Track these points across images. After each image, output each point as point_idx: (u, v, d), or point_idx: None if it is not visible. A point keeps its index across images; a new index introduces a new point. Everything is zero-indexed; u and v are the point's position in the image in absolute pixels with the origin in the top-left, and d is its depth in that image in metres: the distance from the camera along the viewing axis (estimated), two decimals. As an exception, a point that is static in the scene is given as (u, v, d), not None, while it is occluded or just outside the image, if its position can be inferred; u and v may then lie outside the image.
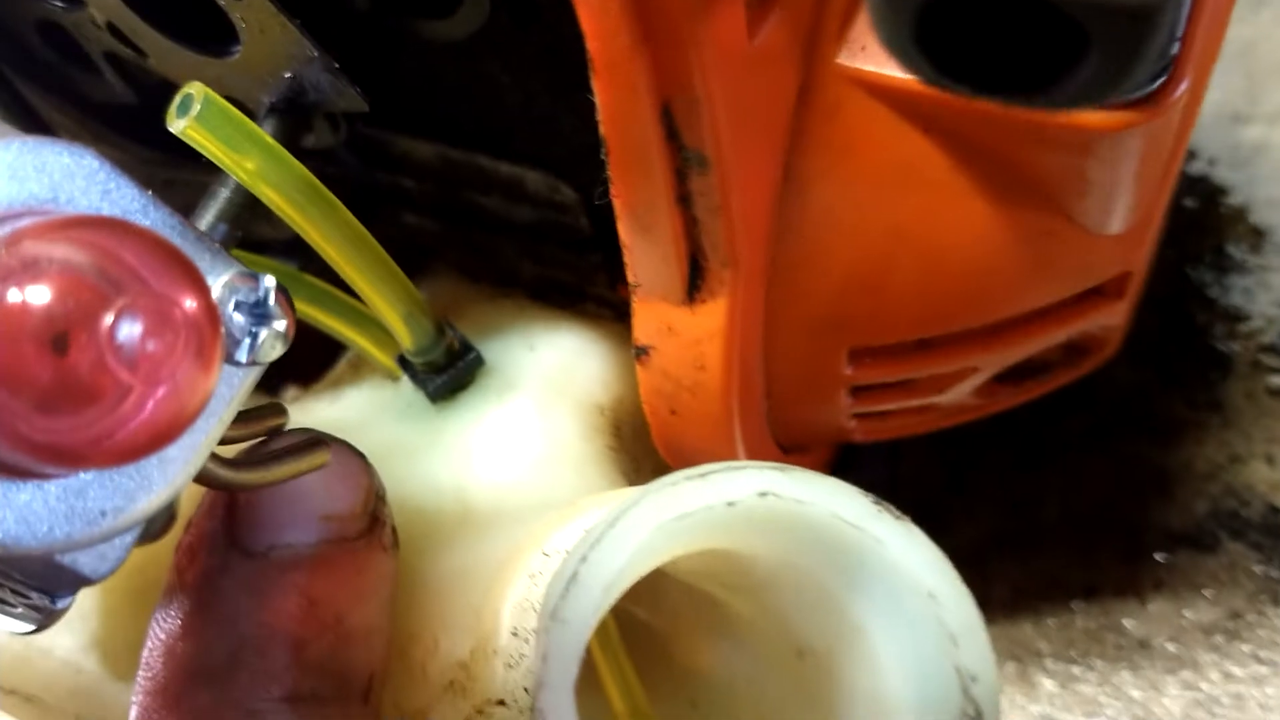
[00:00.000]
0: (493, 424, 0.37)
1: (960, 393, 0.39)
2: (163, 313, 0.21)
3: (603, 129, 0.29)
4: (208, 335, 0.21)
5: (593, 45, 0.27)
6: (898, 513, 0.27)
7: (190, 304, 0.21)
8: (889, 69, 0.30)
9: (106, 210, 0.24)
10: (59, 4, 0.35)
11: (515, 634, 0.29)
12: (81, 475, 0.23)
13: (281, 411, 0.30)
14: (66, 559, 0.24)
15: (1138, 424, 0.52)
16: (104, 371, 0.20)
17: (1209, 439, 0.53)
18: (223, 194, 0.32)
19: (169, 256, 0.22)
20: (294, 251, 0.42)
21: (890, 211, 0.33)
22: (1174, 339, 0.54)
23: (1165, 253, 0.52)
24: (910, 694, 0.27)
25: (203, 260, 0.24)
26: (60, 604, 0.25)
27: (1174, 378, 0.54)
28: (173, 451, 0.24)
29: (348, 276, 0.34)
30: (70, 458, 0.21)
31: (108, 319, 0.20)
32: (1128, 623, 0.50)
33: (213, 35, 0.33)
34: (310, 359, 0.45)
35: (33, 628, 0.26)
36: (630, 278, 0.33)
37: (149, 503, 0.23)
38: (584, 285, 0.40)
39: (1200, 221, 0.57)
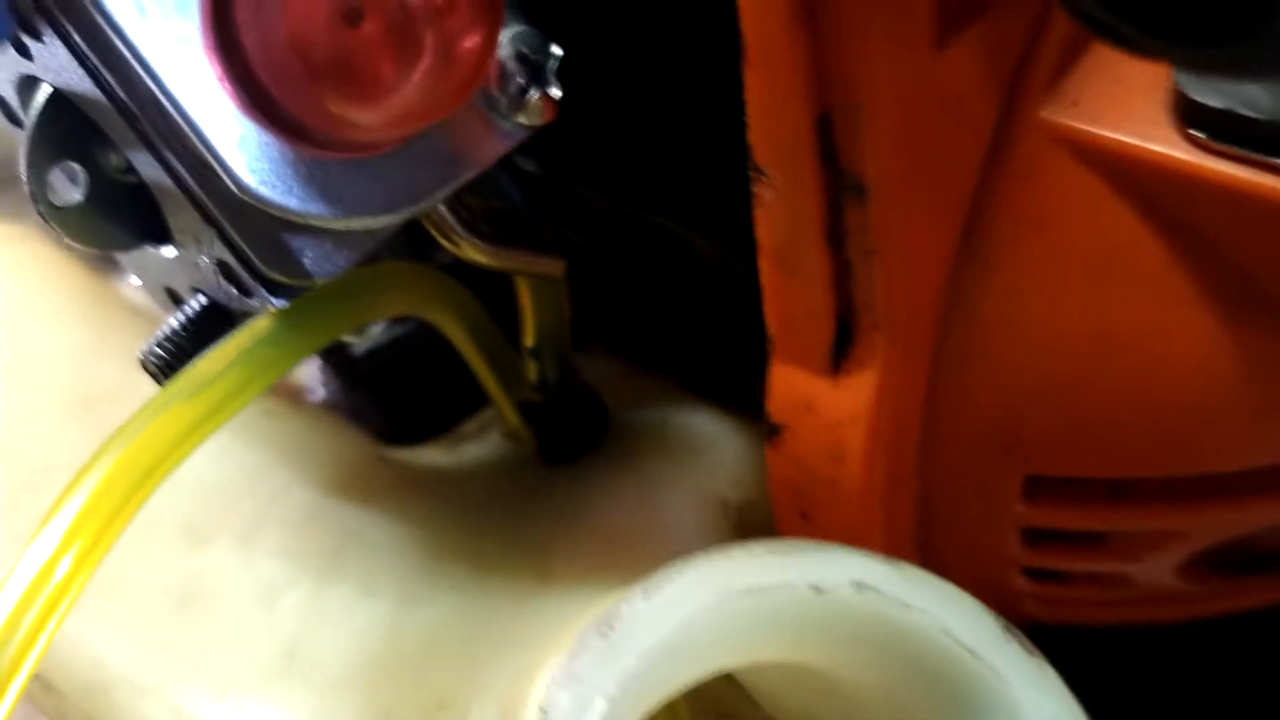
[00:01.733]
0: (594, 492, 0.33)
1: (1160, 568, 0.32)
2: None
3: (749, 134, 0.25)
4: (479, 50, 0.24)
5: (746, 24, 0.23)
6: (1031, 646, 0.21)
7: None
8: (1104, 129, 0.25)
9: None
10: None
11: (543, 710, 0.24)
12: (334, 161, 0.24)
13: (560, 262, 0.32)
14: (295, 242, 0.25)
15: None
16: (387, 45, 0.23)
17: None
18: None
19: None
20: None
21: (1090, 308, 0.27)
22: None
23: None
24: None
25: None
26: (275, 303, 0.26)
27: None
28: (420, 175, 0.25)
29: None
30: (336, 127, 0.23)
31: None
32: None
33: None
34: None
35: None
36: (769, 329, 0.28)
37: (385, 213, 0.25)
38: (740, 380, 0.36)
39: None
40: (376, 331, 0.33)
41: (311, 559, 0.31)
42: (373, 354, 0.37)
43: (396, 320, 0.37)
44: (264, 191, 0.24)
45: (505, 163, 0.39)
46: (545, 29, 0.27)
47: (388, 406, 0.38)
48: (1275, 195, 0.24)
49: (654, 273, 0.38)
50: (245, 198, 0.24)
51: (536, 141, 0.38)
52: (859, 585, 0.21)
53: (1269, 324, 0.26)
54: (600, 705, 0.20)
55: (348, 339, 0.35)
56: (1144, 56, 0.16)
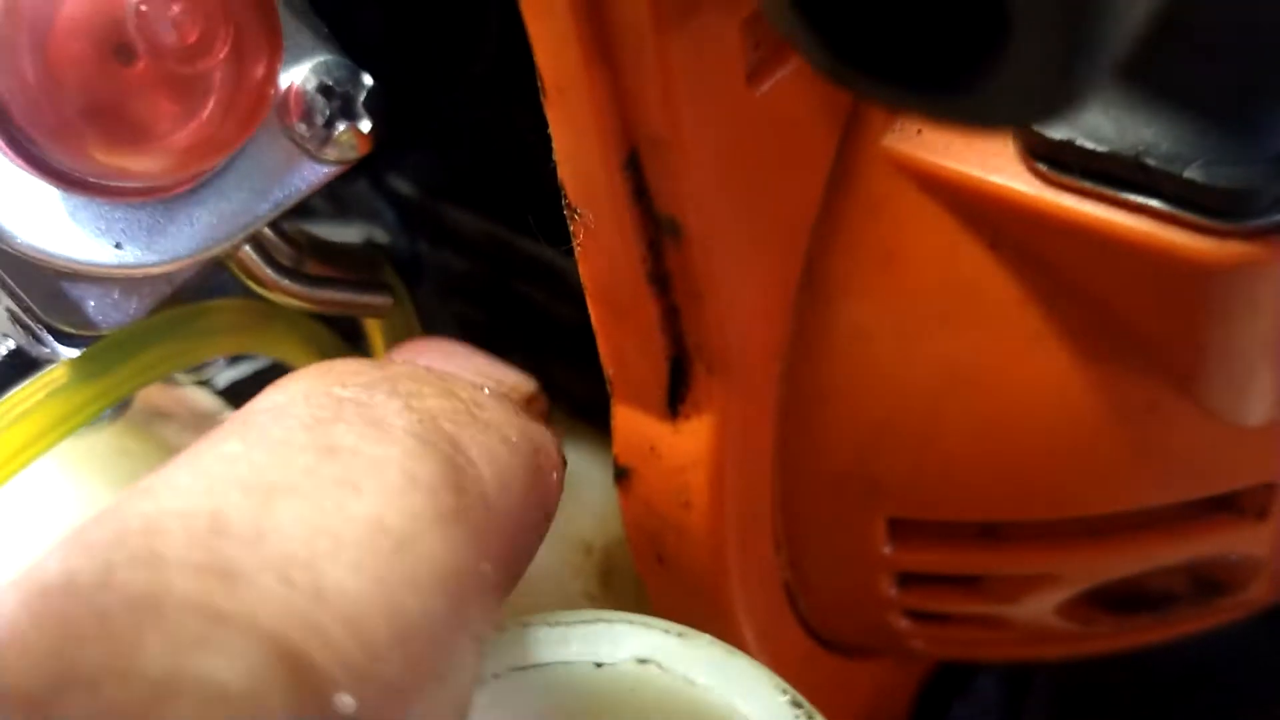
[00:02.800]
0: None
1: (1039, 609, 0.30)
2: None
3: (560, 173, 0.23)
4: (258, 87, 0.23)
5: (541, 60, 0.22)
6: (824, 723, 0.19)
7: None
8: (949, 160, 0.24)
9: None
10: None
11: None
12: (110, 204, 0.23)
13: (386, 301, 0.30)
14: (76, 293, 0.23)
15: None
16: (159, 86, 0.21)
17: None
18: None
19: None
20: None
21: (940, 347, 0.26)
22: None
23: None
24: None
25: (302, 36, 0.24)
26: (62, 352, 0.24)
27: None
28: (207, 216, 0.24)
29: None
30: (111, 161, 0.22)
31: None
32: None
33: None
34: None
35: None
36: (605, 370, 0.27)
37: (169, 257, 0.23)
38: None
39: None
40: (218, 369, 0.31)
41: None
42: (236, 387, 0.36)
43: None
44: (31, 240, 0.22)
45: (379, 185, 0.38)
46: (369, 51, 0.26)
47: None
48: (1120, 231, 0.22)
49: (530, 298, 0.36)
50: (12, 249, 0.23)
51: (409, 163, 0.37)
52: (642, 660, 0.20)
53: (1127, 360, 0.25)
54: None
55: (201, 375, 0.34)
56: (886, 108, 0.15)
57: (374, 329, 0.30)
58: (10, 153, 0.21)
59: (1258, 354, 0.24)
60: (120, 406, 0.29)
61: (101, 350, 0.25)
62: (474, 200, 0.36)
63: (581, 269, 0.25)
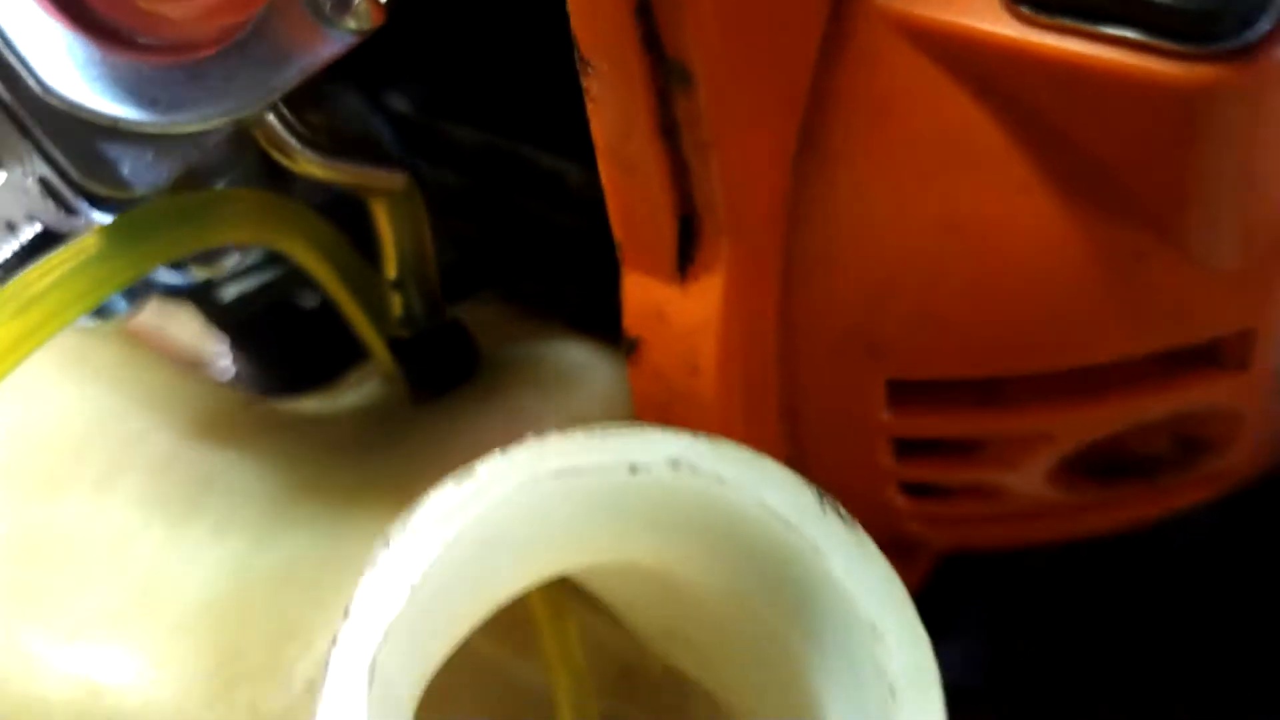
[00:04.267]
0: (459, 427, 0.32)
1: (1033, 475, 0.31)
2: None
3: (572, 24, 0.24)
4: None
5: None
6: (849, 516, 0.20)
7: None
8: (933, 10, 0.25)
9: None
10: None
11: (345, 612, 0.23)
12: (146, 64, 0.24)
13: (400, 176, 0.31)
14: (111, 150, 0.24)
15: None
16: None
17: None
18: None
19: None
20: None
21: (933, 199, 0.27)
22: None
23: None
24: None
25: None
26: (95, 217, 0.25)
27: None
28: (243, 79, 0.24)
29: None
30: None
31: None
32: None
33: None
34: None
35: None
36: (615, 234, 0.28)
37: (199, 116, 0.24)
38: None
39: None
40: (231, 264, 0.32)
41: (166, 504, 0.30)
42: (243, 300, 0.36)
43: (266, 264, 0.36)
44: (70, 94, 0.23)
45: (376, 103, 0.38)
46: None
47: (258, 356, 0.37)
48: (1098, 64, 0.24)
49: (530, 210, 0.37)
50: (52, 101, 0.23)
51: (405, 79, 0.38)
52: (674, 463, 0.20)
53: (1110, 206, 0.26)
54: (402, 594, 0.19)
55: (214, 280, 0.35)
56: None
57: (381, 216, 0.31)
58: (50, 6, 0.22)
59: (1229, 188, 0.25)
60: (135, 300, 0.30)
61: (129, 223, 0.26)
62: (473, 114, 0.37)
63: (593, 125, 0.26)
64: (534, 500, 0.21)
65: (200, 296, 0.37)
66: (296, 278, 0.35)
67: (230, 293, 0.36)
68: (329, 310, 0.34)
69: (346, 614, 0.19)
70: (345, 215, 0.33)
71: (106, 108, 0.24)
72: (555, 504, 0.21)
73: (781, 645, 0.22)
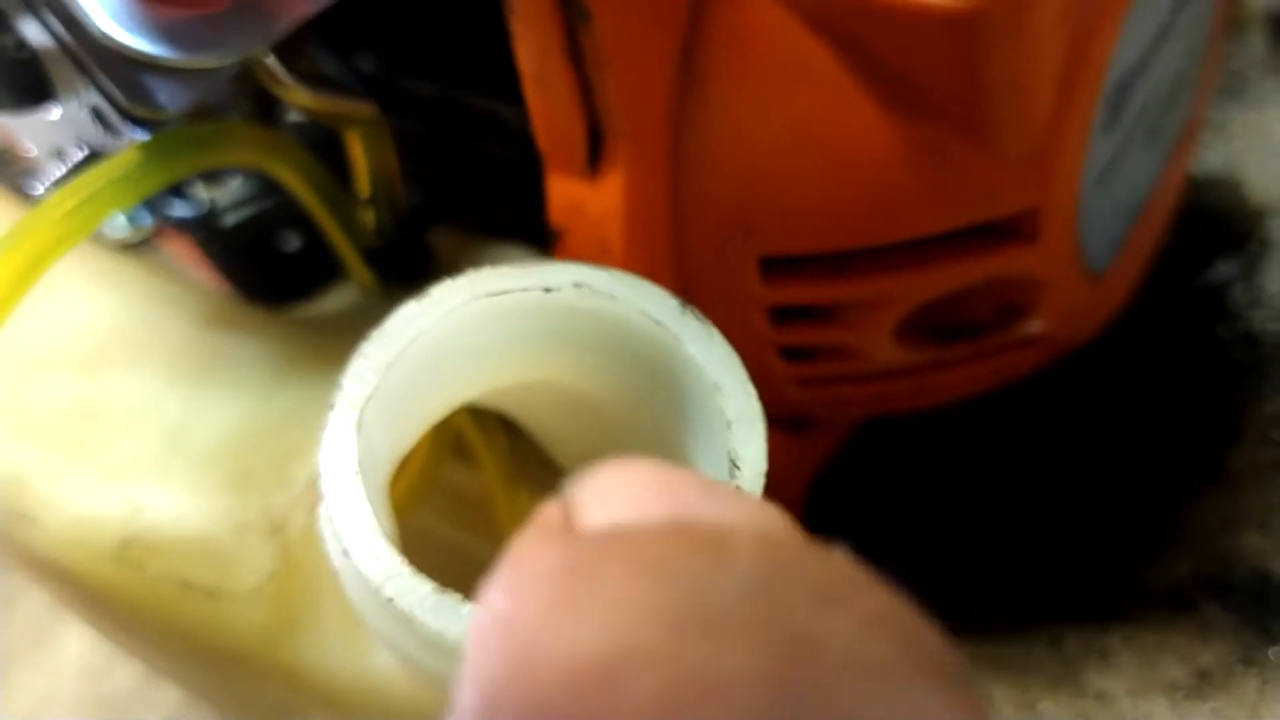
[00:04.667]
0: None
1: (881, 335, 0.39)
2: None
3: (499, -22, 0.32)
4: None
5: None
6: (703, 317, 0.28)
7: None
8: (777, -40, 0.33)
9: None
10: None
11: (330, 405, 0.30)
12: (176, 14, 0.30)
13: (371, 107, 0.38)
14: (150, 80, 0.31)
15: (1132, 483, 0.52)
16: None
17: (1203, 504, 0.51)
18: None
19: None
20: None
21: (786, 113, 0.35)
22: (1182, 401, 0.53)
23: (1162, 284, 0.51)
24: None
25: None
26: (137, 135, 0.32)
27: (1177, 442, 0.53)
28: (248, 25, 0.32)
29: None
30: None
31: None
32: (1089, 675, 0.47)
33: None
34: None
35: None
36: (539, 144, 0.35)
37: (217, 55, 0.31)
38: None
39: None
40: (235, 186, 0.39)
41: (186, 374, 0.38)
42: (240, 227, 0.44)
43: (258, 196, 0.44)
44: (120, 37, 0.31)
45: (347, 64, 0.46)
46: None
47: (255, 273, 0.44)
48: (903, 3, 0.31)
49: (478, 148, 0.45)
50: (106, 43, 0.31)
51: (370, 43, 0.46)
52: (578, 284, 0.28)
53: (916, 109, 0.34)
54: (379, 373, 0.27)
55: (216, 209, 0.42)
56: None
57: (355, 143, 0.38)
58: (100, -34, 0.30)
59: (1003, 90, 0.33)
60: (155, 215, 0.38)
61: (161, 141, 0.33)
62: (428, 70, 0.44)
63: (517, 55, 0.33)
64: (473, 314, 0.28)
65: (203, 227, 0.44)
66: (284, 213, 0.43)
67: (229, 220, 0.43)
68: (310, 249, 0.42)
69: (340, 387, 0.27)
70: (325, 154, 0.40)
71: (147, 48, 0.31)
72: (488, 319, 0.29)
73: (664, 437, 0.30)
